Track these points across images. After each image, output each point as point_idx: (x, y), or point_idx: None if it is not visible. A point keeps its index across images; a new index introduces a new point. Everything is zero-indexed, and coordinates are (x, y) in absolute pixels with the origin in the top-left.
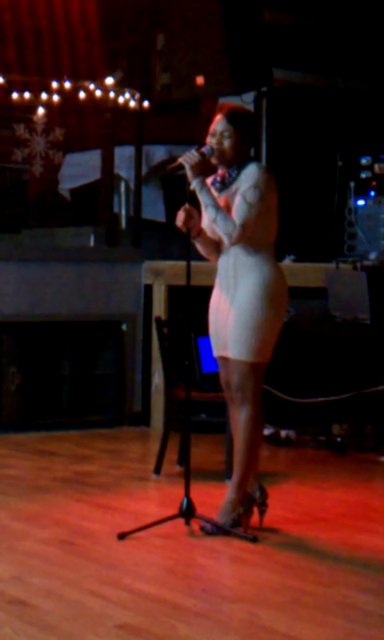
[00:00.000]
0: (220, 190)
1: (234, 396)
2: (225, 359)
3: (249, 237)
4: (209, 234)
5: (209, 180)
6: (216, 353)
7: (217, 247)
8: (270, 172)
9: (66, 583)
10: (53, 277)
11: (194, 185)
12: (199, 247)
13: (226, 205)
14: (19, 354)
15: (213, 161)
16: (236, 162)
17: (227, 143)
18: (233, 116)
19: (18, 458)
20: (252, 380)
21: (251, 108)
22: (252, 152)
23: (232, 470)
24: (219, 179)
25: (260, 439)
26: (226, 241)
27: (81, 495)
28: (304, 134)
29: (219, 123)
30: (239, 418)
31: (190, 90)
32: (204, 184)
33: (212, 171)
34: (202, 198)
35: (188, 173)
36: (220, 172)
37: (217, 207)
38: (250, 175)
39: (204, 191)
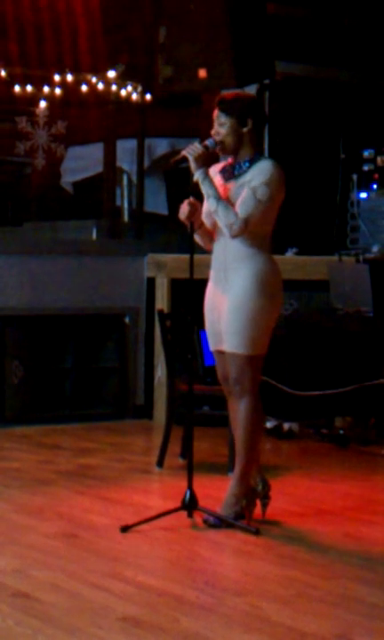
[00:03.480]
0: (227, 179)
1: (232, 389)
2: (221, 352)
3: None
4: (208, 225)
5: (219, 166)
6: (212, 347)
7: (212, 238)
8: (282, 171)
9: (69, 576)
10: (55, 270)
11: (197, 176)
12: (197, 238)
13: (227, 195)
14: (21, 347)
15: (219, 152)
16: (241, 149)
17: (223, 131)
18: (223, 104)
19: (21, 451)
20: (249, 373)
21: None
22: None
23: (235, 463)
24: (229, 167)
25: (260, 430)
26: (226, 233)
27: (84, 488)
28: (306, 127)
29: (215, 113)
30: (239, 410)
31: (192, 83)
32: (207, 175)
33: (216, 163)
34: (204, 189)
35: (192, 165)
36: (230, 159)
37: (218, 198)
38: (263, 171)
39: (207, 182)
